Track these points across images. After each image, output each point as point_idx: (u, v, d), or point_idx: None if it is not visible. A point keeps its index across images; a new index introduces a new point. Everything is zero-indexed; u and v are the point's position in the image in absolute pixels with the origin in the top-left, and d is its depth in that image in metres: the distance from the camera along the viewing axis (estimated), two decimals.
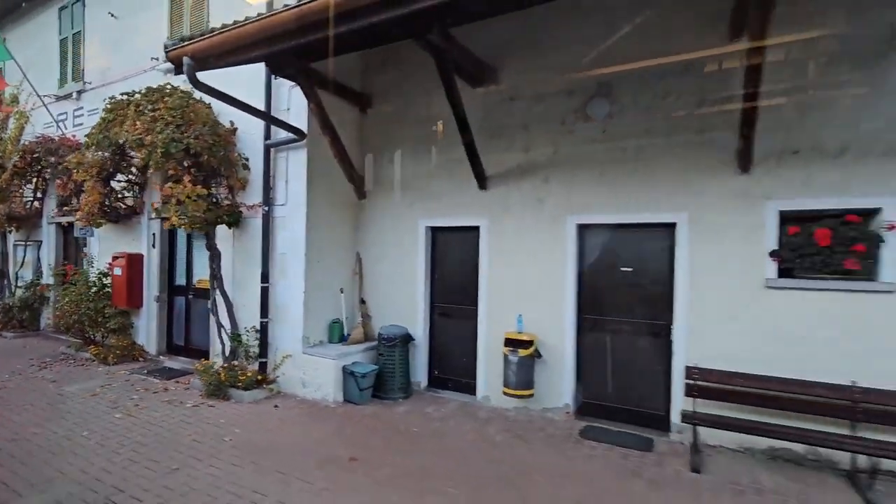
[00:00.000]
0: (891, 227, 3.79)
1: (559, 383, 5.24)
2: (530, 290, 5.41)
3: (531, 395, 5.26)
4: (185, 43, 4.25)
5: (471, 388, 5.83)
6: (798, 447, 4.10)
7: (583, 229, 5.21)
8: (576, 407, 5.22)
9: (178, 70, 4.37)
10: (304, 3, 3.81)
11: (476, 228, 5.78)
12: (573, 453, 4.38)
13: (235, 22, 4.25)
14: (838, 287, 3.97)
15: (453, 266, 6.12)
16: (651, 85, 4.76)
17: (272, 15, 3.87)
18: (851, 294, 3.94)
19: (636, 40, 4.79)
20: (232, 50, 4.25)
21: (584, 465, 4.15)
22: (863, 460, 3.82)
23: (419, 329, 6.18)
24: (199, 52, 4.21)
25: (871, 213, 3.92)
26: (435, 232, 6.23)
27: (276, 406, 5.47)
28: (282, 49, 4.31)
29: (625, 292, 5.04)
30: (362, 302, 6.58)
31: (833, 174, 4.03)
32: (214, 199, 6.10)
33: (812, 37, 4.04)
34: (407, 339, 5.97)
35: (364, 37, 4.49)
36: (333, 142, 5.94)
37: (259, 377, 5.80)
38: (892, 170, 3.85)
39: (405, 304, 6.29)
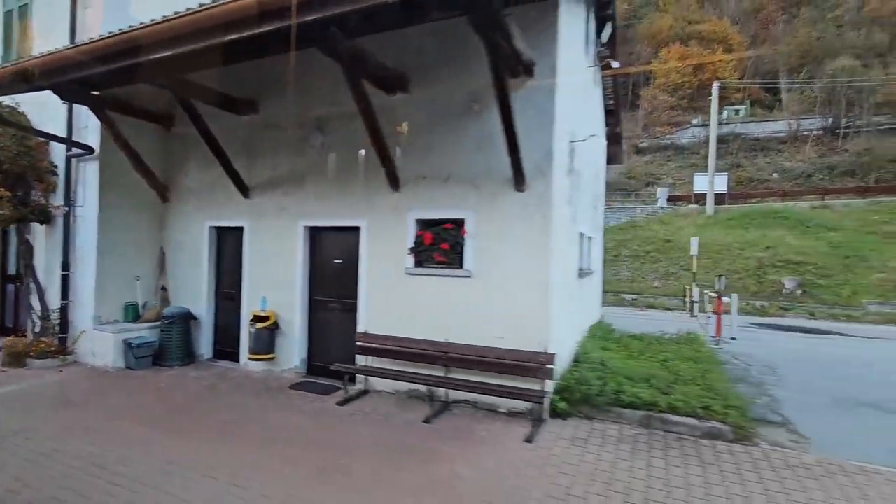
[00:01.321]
0: (464, 233, 5.51)
1: (292, 350, 6.74)
2: (276, 277, 6.89)
3: (272, 359, 6.75)
4: None
5: (237, 357, 7.24)
6: (422, 388, 5.75)
7: (310, 231, 6.75)
8: (304, 367, 6.74)
9: None
10: (46, 55, 5.14)
11: (242, 228, 7.20)
12: (268, 398, 5.86)
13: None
14: (440, 273, 5.67)
15: (229, 258, 7.52)
16: (348, 123, 6.32)
17: (22, 62, 5.16)
18: (447, 278, 5.64)
19: (337, 90, 6.33)
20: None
21: (267, 403, 5.64)
22: (453, 394, 5.52)
23: (204, 310, 7.54)
24: None
25: (461, 222, 5.63)
26: (218, 231, 7.61)
27: (60, 371, 6.69)
28: (51, 84, 5.65)
29: (336, 279, 6.62)
30: (163, 289, 7.86)
31: (443, 193, 5.73)
32: (22, 200, 7.23)
33: (431, 98, 5.73)
34: (187, 317, 7.31)
35: (114, 77, 5.81)
36: (131, 155, 7.20)
37: (54, 348, 6.98)
38: (469, 192, 5.57)
39: (197, 290, 7.63)
